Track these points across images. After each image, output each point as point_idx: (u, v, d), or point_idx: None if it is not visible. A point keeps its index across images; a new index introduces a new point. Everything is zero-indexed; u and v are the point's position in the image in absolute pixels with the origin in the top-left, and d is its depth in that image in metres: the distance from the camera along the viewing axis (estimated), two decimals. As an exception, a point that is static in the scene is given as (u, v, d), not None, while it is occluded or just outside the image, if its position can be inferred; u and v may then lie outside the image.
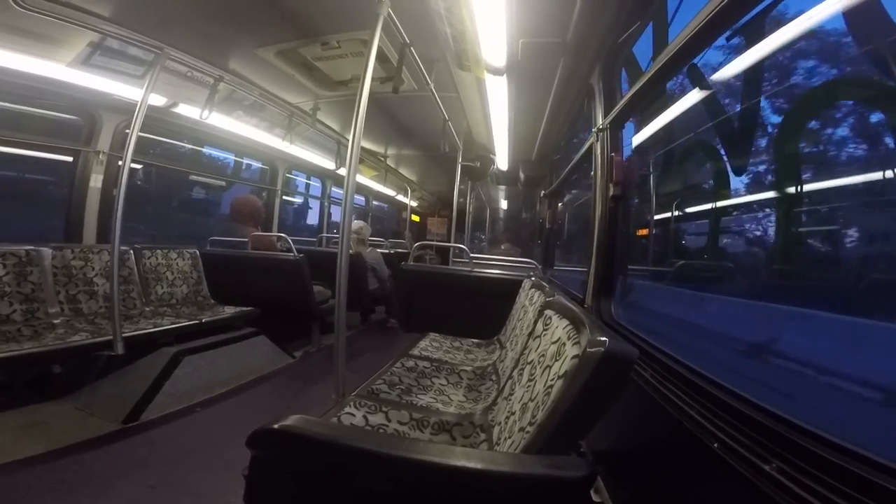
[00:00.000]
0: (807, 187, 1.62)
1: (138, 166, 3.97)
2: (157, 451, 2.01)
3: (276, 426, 0.89)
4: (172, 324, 2.79)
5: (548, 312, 1.41)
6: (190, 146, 4.34)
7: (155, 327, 2.68)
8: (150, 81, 2.44)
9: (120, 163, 2.40)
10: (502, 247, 7.40)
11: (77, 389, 2.44)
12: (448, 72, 2.90)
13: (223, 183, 5.08)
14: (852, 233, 1.39)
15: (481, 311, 3.03)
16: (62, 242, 2.83)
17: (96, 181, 2.99)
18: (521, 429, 1.05)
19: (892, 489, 0.56)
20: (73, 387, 2.45)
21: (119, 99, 2.85)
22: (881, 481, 0.57)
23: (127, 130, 2.44)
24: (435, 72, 2.83)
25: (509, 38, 2.23)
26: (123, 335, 2.37)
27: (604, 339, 0.91)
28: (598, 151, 2.16)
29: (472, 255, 3.55)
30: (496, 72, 2.61)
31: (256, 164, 5.02)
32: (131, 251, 3.14)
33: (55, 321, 2.53)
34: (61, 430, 2.08)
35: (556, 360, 1.06)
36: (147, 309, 3.11)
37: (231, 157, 4.83)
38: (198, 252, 3.68)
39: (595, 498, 1.48)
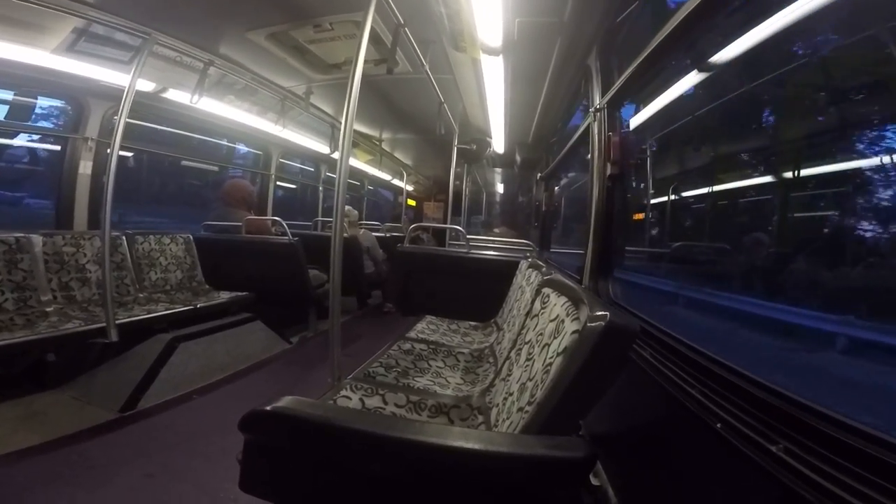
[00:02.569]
0: (809, 171, 1.59)
1: (128, 154, 3.91)
2: (156, 439, 2.00)
3: (268, 408, 0.87)
4: (167, 310, 2.78)
5: (545, 290, 1.40)
6: (181, 132, 4.27)
7: (149, 313, 2.67)
8: (137, 67, 2.38)
9: (109, 150, 2.35)
10: (496, 230, 7.35)
11: (73, 378, 2.43)
12: (443, 53, 2.85)
13: (216, 168, 5.02)
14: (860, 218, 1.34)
15: (478, 293, 3.02)
16: (53, 229, 2.79)
17: (85, 168, 2.94)
18: (520, 409, 1.04)
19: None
20: (68, 376, 2.43)
21: (106, 85, 2.78)
22: (894, 461, 0.56)
23: (115, 117, 2.39)
24: (430, 53, 2.78)
25: (505, 17, 2.18)
26: (117, 322, 2.35)
27: (605, 313, 0.89)
28: (596, 131, 2.13)
29: (468, 237, 3.52)
30: (492, 52, 2.56)
31: (250, 150, 4.95)
32: (123, 237, 3.11)
33: (48, 309, 2.50)
34: (58, 420, 2.07)
35: (555, 338, 1.04)
36: (141, 295, 3.09)
37: (224, 143, 4.77)
38: (191, 237, 3.64)
39: (593, 481, 1.48)
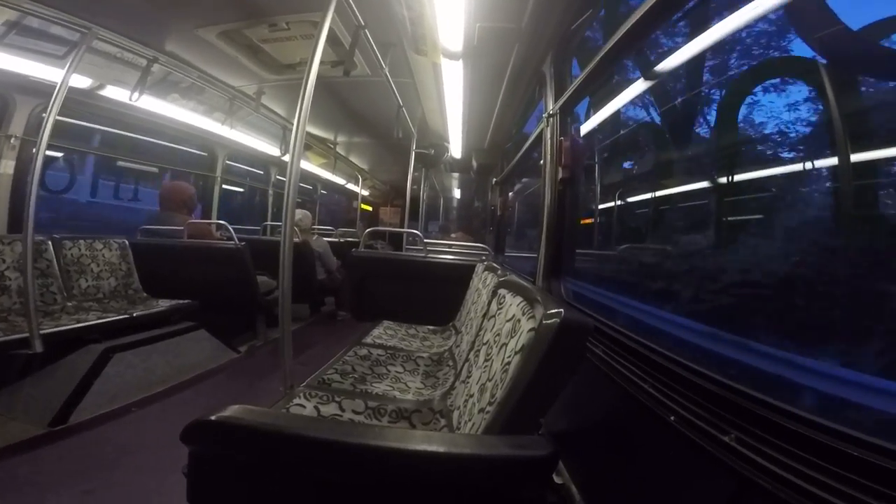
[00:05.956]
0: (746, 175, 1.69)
1: (58, 154, 3.63)
2: (92, 454, 1.86)
3: (213, 418, 0.82)
4: (99, 319, 2.57)
5: (501, 291, 1.41)
6: (119, 132, 3.99)
7: (78, 323, 2.46)
8: (72, 62, 2.23)
9: (34, 149, 2.17)
10: (453, 235, 7.39)
11: (-8, 393, 2.20)
12: (404, 56, 2.82)
13: (156, 170, 4.74)
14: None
15: (436, 297, 3.01)
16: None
17: (6, 167, 2.69)
18: (481, 409, 1.03)
19: (853, 454, 0.57)
20: (-13, 390, 2.21)
21: (36, 80, 2.57)
22: (843, 448, 0.59)
23: (44, 114, 2.21)
24: (390, 56, 2.74)
25: (467, 22, 2.19)
26: (42, 332, 2.14)
27: (560, 309, 0.90)
28: (548, 136, 2.18)
29: (426, 240, 3.49)
30: (452, 56, 2.56)
31: (194, 150, 4.70)
32: (49, 242, 2.83)
33: (-41, 319, 2.26)
34: (-20, 437, 1.88)
35: (512, 337, 1.05)
36: (69, 304, 2.84)
37: (166, 143, 4.49)
38: (127, 242, 3.39)
39: (557, 479, 1.49)
